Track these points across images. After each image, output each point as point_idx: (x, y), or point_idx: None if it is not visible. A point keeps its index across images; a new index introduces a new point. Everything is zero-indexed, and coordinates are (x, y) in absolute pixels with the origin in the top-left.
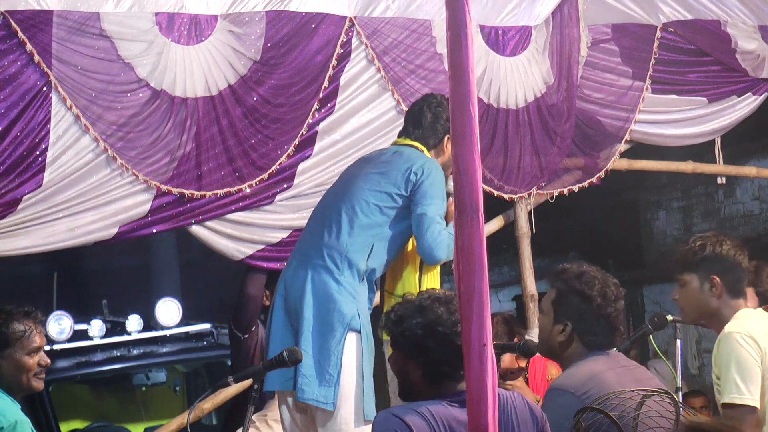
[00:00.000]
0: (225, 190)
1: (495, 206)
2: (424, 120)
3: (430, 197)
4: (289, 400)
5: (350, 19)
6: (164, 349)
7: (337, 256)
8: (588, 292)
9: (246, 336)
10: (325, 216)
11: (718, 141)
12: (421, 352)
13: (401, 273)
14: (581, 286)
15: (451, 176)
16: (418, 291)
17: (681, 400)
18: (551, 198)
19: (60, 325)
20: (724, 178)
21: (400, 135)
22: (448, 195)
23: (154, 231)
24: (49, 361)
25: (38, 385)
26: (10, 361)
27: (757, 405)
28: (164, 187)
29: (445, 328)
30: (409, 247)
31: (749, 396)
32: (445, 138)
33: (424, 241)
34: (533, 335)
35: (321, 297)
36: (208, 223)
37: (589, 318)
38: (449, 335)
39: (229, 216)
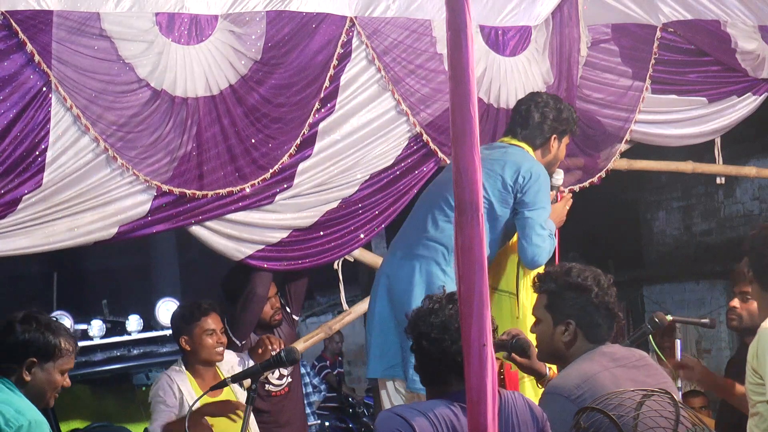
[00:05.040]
0: (227, 189)
1: None
2: (532, 120)
3: (537, 202)
4: (389, 385)
5: (351, 19)
6: (164, 349)
7: (442, 247)
8: (583, 283)
9: (243, 343)
10: (430, 209)
11: (718, 141)
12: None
13: (504, 268)
14: (574, 279)
15: (556, 170)
16: (516, 286)
17: (681, 400)
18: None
19: None
20: (723, 178)
21: (506, 134)
22: (553, 188)
23: (154, 231)
24: (70, 383)
25: (51, 403)
26: (46, 374)
27: None
28: (165, 187)
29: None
30: (512, 242)
31: None
32: (552, 137)
33: (528, 246)
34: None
35: (429, 287)
36: (208, 223)
37: (590, 309)
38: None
39: (229, 216)
